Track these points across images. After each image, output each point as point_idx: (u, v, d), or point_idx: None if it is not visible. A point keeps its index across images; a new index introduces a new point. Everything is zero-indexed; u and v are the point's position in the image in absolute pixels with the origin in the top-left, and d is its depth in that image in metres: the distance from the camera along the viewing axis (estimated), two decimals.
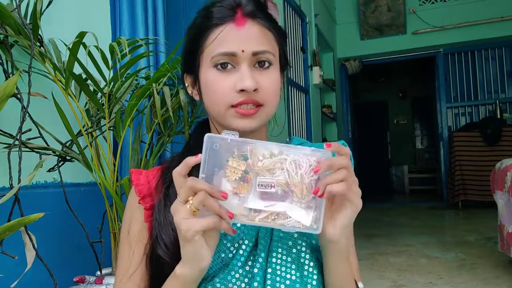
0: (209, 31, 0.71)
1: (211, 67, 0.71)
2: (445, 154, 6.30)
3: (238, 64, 0.70)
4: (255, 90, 0.69)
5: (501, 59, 6.17)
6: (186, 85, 0.80)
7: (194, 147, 0.78)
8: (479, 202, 5.47)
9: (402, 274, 2.77)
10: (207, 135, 0.59)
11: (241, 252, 0.70)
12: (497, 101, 5.84)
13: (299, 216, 0.61)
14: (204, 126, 0.82)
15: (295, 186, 0.60)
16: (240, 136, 0.69)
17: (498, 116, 5.70)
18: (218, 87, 0.70)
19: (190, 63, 0.76)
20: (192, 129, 0.87)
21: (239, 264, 0.69)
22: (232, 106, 0.70)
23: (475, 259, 3.05)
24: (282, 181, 0.60)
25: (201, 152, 0.65)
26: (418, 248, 3.52)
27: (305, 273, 0.70)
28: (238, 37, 0.70)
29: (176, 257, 0.66)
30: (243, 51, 0.69)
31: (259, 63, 0.71)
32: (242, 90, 0.69)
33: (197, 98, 0.78)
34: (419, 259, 3.15)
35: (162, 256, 0.68)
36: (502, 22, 5.72)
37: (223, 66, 0.70)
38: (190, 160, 0.60)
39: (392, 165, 9.37)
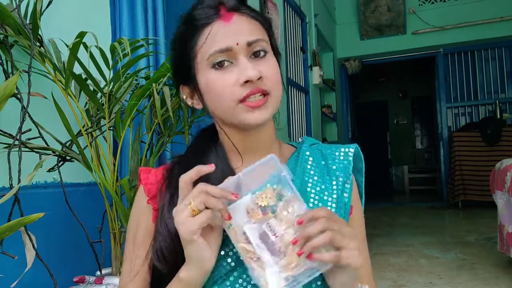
0: (197, 34, 0.71)
1: (209, 68, 0.70)
2: (445, 154, 6.30)
3: (235, 59, 0.69)
4: (260, 78, 0.68)
5: (501, 59, 6.17)
6: (184, 97, 0.78)
7: (197, 153, 0.77)
8: (479, 202, 5.47)
9: (402, 274, 2.77)
10: (273, 156, 0.62)
11: None
12: (497, 101, 5.83)
13: (270, 279, 0.60)
14: (210, 132, 0.80)
15: (291, 253, 0.60)
16: (252, 128, 0.72)
17: (498, 116, 5.69)
18: (222, 86, 0.69)
19: (184, 73, 0.75)
20: (196, 133, 0.86)
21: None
22: (240, 102, 0.69)
23: (475, 259, 3.05)
24: (285, 239, 0.60)
25: (203, 159, 0.70)
26: (418, 248, 3.53)
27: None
28: (229, 31, 0.69)
29: (174, 269, 0.66)
30: (237, 44, 0.69)
31: (254, 53, 0.71)
32: (246, 82, 0.68)
33: (199, 107, 0.76)
34: (419, 259, 3.15)
35: (160, 269, 0.68)
36: (502, 22, 5.73)
37: (220, 65, 0.69)
38: (203, 169, 0.61)
39: (392, 165, 9.36)
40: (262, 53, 0.71)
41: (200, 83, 0.72)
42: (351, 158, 0.79)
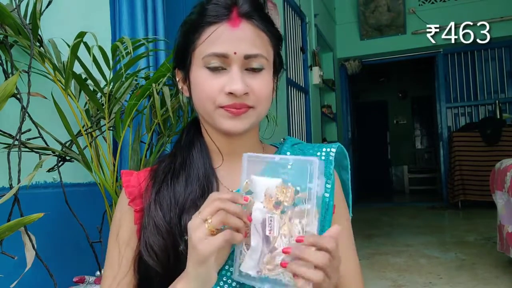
0: (202, 29, 0.70)
1: (202, 67, 0.70)
2: (445, 154, 6.30)
3: (229, 66, 0.69)
4: (246, 93, 0.68)
5: (501, 59, 6.17)
6: (177, 80, 0.79)
7: (186, 147, 0.77)
8: (479, 202, 5.46)
9: (402, 274, 2.77)
10: (315, 160, 0.58)
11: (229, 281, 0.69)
12: (497, 101, 5.83)
13: (245, 263, 0.60)
14: (195, 126, 0.81)
15: (273, 256, 0.58)
16: (228, 138, 0.72)
17: (498, 116, 5.70)
18: (207, 88, 0.69)
19: (182, 59, 0.75)
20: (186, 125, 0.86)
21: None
22: (221, 107, 0.69)
23: (474, 259, 3.05)
24: (277, 242, 0.59)
25: (187, 155, 0.71)
26: (418, 248, 3.52)
27: None
28: (231, 38, 0.68)
29: (164, 265, 0.66)
30: (235, 53, 0.68)
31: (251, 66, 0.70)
32: (230, 93, 0.67)
33: (187, 94, 0.77)
34: (419, 259, 3.15)
35: (151, 265, 0.68)
36: (502, 22, 5.72)
37: (214, 67, 0.69)
38: (239, 200, 0.59)
39: (392, 165, 9.37)
40: (258, 68, 0.70)
41: (191, 76, 0.73)
42: (332, 158, 0.78)
